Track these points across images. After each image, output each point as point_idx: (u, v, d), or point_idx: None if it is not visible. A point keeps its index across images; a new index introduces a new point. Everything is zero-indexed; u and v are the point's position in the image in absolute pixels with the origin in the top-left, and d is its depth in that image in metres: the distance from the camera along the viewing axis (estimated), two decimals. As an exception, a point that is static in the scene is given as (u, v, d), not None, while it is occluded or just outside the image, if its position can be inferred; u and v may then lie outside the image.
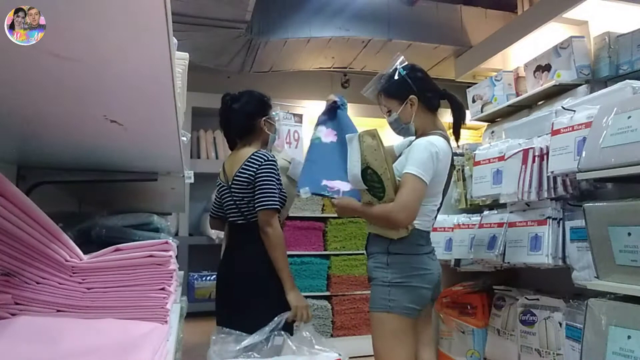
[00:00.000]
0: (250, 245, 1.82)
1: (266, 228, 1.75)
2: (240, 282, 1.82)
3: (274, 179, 1.80)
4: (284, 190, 1.91)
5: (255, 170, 1.80)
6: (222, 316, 1.89)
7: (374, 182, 1.53)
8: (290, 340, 1.44)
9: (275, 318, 1.56)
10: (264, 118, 1.97)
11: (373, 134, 1.51)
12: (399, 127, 1.72)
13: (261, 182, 1.78)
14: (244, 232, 1.85)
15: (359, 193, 1.66)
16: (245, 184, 1.82)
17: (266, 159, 1.82)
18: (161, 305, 0.86)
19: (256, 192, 1.78)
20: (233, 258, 1.89)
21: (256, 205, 1.77)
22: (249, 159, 1.84)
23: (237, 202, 1.85)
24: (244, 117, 1.95)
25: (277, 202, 1.77)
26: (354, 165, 1.56)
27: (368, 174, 1.54)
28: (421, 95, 1.68)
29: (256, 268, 1.79)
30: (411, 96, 1.66)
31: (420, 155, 1.53)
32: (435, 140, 1.58)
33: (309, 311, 1.76)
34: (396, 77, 1.68)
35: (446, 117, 1.84)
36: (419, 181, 1.50)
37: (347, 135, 1.62)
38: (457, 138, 1.76)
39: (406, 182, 1.50)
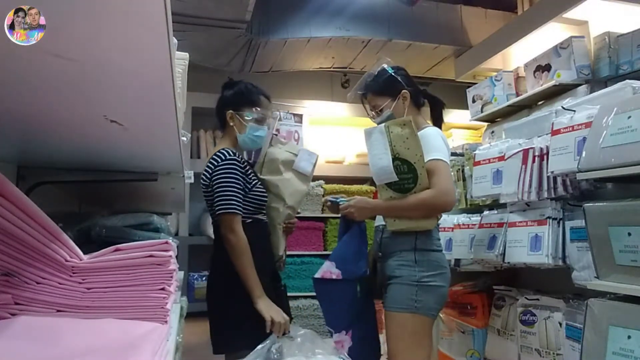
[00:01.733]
0: (221, 245, 1.68)
1: (228, 235, 1.61)
2: (216, 285, 1.73)
3: (231, 180, 1.64)
4: (262, 191, 1.76)
5: (211, 171, 1.67)
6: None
7: (404, 173, 1.53)
8: (288, 347, 1.38)
9: (269, 339, 1.40)
10: (232, 110, 1.77)
11: (403, 123, 1.52)
12: None
13: (216, 185, 1.64)
14: (216, 232, 1.76)
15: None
16: (204, 186, 1.73)
17: (223, 158, 1.66)
18: (161, 305, 0.86)
19: (214, 196, 1.65)
20: (212, 260, 1.81)
21: (215, 209, 1.65)
22: (209, 159, 1.72)
23: (208, 204, 1.78)
24: (217, 106, 1.83)
25: (236, 206, 1.62)
26: (381, 158, 1.53)
27: (394, 165, 1.52)
28: (411, 92, 1.74)
29: (227, 273, 1.65)
30: (403, 91, 1.72)
31: (436, 141, 1.58)
32: (437, 129, 1.67)
33: (281, 317, 1.58)
34: (386, 75, 1.74)
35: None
36: (447, 166, 1.56)
37: (365, 129, 1.61)
38: None
39: (438, 167, 1.53)
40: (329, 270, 1.60)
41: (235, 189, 1.64)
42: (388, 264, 1.62)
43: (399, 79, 1.73)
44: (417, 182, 1.51)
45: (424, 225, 1.57)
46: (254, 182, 1.74)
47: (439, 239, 1.66)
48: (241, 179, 1.68)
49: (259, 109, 1.79)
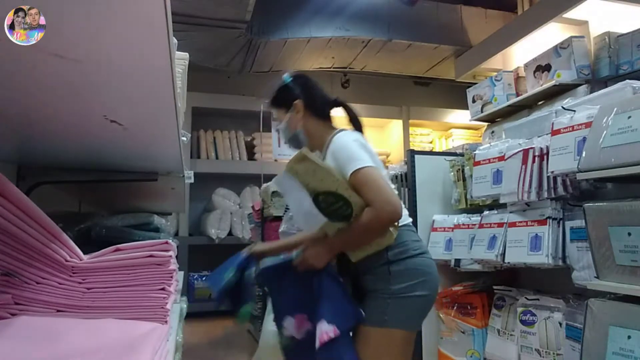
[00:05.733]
0: None
1: None
2: None
3: None
4: None
5: None
6: None
7: (333, 204, 1.35)
8: None
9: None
10: None
11: (302, 158, 1.34)
12: (287, 137, 1.62)
13: None
14: None
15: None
16: None
17: None
18: (161, 305, 0.86)
19: None
20: None
21: None
22: None
23: None
24: None
25: None
26: (301, 204, 1.36)
27: (321, 200, 1.35)
28: (307, 101, 1.58)
29: None
30: (295, 102, 1.57)
31: (349, 150, 1.41)
32: (347, 133, 1.50)
33: None
34: (281, 85, 1.63)
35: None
36: (371, 170, 1.36)
37: (275, 180, 1.42)
38: None
39: (362, 179, 1.34)
40: (325, 332, 1.36)
41: None
42: (365, 280, 1.50)
43: (295, 88, 1.59)
44: (351, 205, 1.34)
45: (384, 243, 1.41)
46: None
47: (418, 241, 1.50)
48: None
49: None
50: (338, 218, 1.38)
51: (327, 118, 1.62)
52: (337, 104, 1.65)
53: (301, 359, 1.47)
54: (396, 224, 1.42)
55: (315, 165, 1.34)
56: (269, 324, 1.88)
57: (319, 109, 1.61)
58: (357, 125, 1.63)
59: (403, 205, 1.46)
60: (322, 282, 1.45)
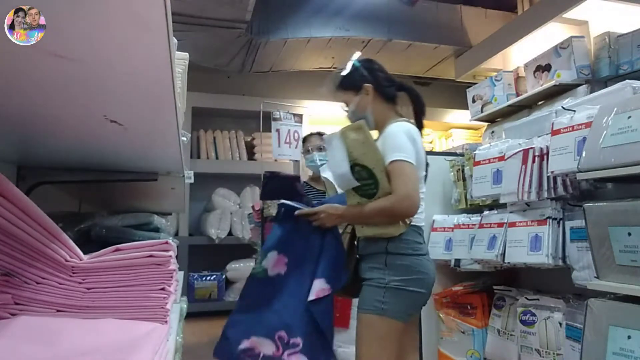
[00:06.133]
0: None
1: None
2: None
3: None
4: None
5: None
6: None
7: (363, 179, 1.47)
8: None
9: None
10: None
11: (358, 127, 1.46)
12: (356, 119, 1.67)
13: None
14: None
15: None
16: None
17: None
18: (161, 305, 0.86)
19: None
20: None
21: None
22: None
23: None
24: None
25: None
26: (339, 165, 1.48)
27: (355, 171, 1.47)
28: (376, 85, 1.65)
29: None
30: (366, 85, 1.64)
31: (397, 140, 1.49)
32: (404, 124, 1.56)
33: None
34: (350, 69, 1.68)
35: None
36: (409, 165, 1.45)
37: (324, 137, 1.58)
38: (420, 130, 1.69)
39: (397, 169, 1.43)
40: (322, 289, 1.54)
41: None
42: (362, 266, 1.58)
43: (364, 72, 1.66)
44: (378, 187, 1.45)
45: (390, 232, 1.49)
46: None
47: (421, 242, 1.56)
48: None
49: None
50: (362, 193, 1.50)
51: (394, 101, 1.70)
52: (403, 88, 1.72)
53: (256, 292, 1.59)
54: (408, 220, 1.50)
55: (366, 139, 1.45)
56: None
57: (387, 92, 1.68)
58: (419, 111, 1.70)
59: (422, 209, 1.55)
60: (327, 241, 1.62)
